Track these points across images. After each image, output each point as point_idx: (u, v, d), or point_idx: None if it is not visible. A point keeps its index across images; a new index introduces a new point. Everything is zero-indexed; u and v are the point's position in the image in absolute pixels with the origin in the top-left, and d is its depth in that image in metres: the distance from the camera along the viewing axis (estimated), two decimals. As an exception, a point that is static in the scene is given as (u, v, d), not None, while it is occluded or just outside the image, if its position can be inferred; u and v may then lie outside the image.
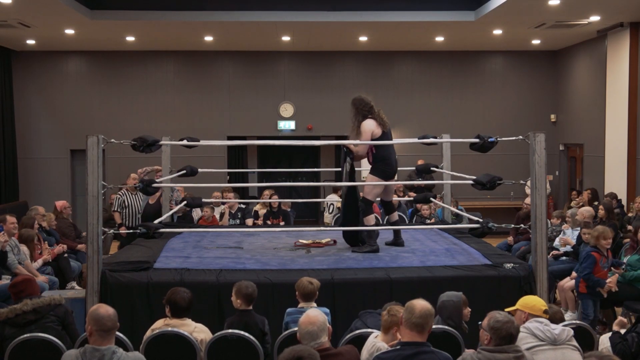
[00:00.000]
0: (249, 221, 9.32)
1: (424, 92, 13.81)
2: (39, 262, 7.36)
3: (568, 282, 7.14)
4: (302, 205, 13.74)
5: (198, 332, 4.35)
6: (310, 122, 13.66)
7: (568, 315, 6.65)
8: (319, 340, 3.43)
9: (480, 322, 3.57)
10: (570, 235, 7.84)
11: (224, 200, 9.47)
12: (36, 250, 7.52)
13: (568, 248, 7.72)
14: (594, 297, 6.31)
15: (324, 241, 6.90)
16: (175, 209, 7.93)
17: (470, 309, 4.43)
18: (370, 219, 6.64)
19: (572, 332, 3.92)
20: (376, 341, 3.80)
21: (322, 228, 7.01)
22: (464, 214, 7.73)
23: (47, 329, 4.53)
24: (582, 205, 10.01)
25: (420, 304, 3.50)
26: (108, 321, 3.42)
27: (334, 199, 10.59)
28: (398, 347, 3.44)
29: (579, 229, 7.62)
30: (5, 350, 4.34)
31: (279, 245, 6.86)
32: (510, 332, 3.38)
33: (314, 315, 3.52)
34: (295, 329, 4.23)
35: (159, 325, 4.36)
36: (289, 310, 4.72)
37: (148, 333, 4.34)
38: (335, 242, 6.94)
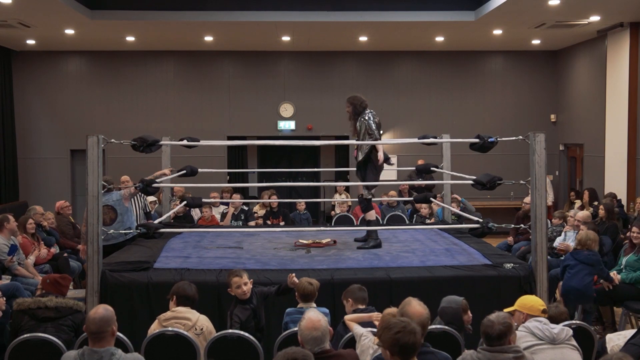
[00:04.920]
0: (252, 224, 9.30)
1: (424, 92, 13.81)
2: (31, 258, 7.37)
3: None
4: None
5: (202, 321, 4.43)
6: (310, 122, 13.66)
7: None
8: (322, 345, 3.42)
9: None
10: (571, 237, 7.83)
11: (225, 201, 9.47)
12: (30, 249, 7.54)
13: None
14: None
15: (324, 241, 6.91)
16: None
17: (471, 315, 4.41)
18: (372, 214, 6.80)
19: (571, 331, 3.92)
20: (376, 345, 3.78)
21: (322, 228, 7.00)
22: (464, 214, 7.73)
23: (60, 331, 4.58)
24: (583, 207, 10.01)
25: (415, 311, 3.50)
26: (91, 324, 3.38)
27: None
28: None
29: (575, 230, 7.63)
30: (19, 337, 4.38)
31: (279, 245, 6.86)
32: (486, 331, 3.38)
33: (317, 319, 3.47)
34: (295, 329, 4.24)
35: (168, 315, 4.39)
36: (288, 310, 4.72)
37: (155, 325, 4.37)
38: (335, 242, 6.95)
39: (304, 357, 2.86)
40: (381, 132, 6.73)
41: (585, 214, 8.00)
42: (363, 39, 12.22)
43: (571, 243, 7.69)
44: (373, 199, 7.00)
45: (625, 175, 10.73)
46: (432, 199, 8.50)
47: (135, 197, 8.56)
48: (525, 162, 6.00)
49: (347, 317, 4.34)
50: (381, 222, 9.68)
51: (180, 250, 6.63)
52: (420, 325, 3.44)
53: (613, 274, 6.60)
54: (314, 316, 3.50)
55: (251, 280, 4.73)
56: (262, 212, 9.76)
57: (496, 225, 6.08)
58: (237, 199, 9.66)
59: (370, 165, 6.66)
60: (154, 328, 4.36)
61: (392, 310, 3.87)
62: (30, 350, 4.30)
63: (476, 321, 3.99)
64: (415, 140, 7.48)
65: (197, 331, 4.36)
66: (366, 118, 6.56)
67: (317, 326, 3.41)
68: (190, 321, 4.37)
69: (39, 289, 5.25)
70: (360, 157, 6.66)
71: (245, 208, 9.51)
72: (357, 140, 6.69)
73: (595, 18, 10.30)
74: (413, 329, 3.07)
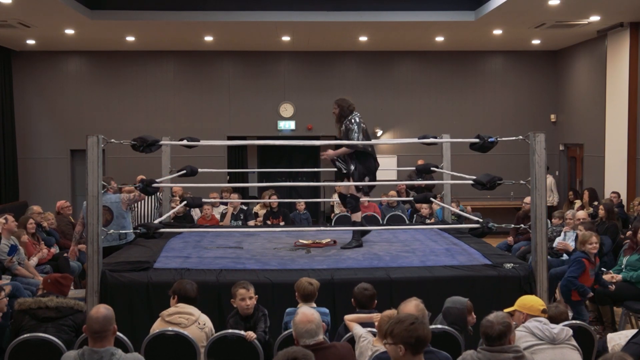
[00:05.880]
0: (252, 223, 9.31)
1: (424, 92, 13.81)
2: (34, 259, 7.38)
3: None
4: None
5: (204, 318, 4.47)
6: (310, 122, 13.66)
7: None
8: (316, 337, 3.49)
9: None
10: (571, 237, 7.83)
11: (226, 200, 9.47)
12: (33, 250, 7.54)
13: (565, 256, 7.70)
14: (581, 303, 6.10)
15: (324, 241, 6.91)
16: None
17: (475, 316, 4.40)
18: (358, 215, 6.86)
19: (571, 331, 3.92)
20: (374, 347, 3.79)
21: (322, 228, 7.00)
22: (465, 214, 7.73)
23: (61, 331, 4.58)
24: (582, 207, 10.01)
25: (405, 311, 3.50)
26: (94, 324, 3.38)
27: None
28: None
29: (574, 230, 7.61)
30: (20, 336, 4.38)
31: (279, 245, 6.86)
32: (486, 332, 3.36)
33: (310, 313, 3.57)
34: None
35: (171, 311, 4.42)
36: (288, 310, 4.72)
37: (157, 323, 4.38)
38: (335, 242, 6.95)
39: (305, 357, 2.85)
40: (369, 138, 6.71)
41: (581, 213, 8.01)
42: (363, 39, 12.22)
43: (570, 242, 7.70)
44: (371, 199, 7.02)
45: (625, 175, 10.73)
46: (432, 199, 8.50)
47: (147, 197, 8.52)
48: (525, 162, 6.00)
49: (347, 317, 4.35)
50: (381, 222, 9.69)
51: (180, 250, 6.62)
52: None
53: (611, 275, 6.59)
54: (307, 310, 3.61)
55: (256, 296, 4.65)
56: (262, 212, 9.76)
57: (496, 225, 6.08)
58: (235, 198, 9.66)
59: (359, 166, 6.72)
60: (157, 326, 4.37)
61: (391, 312, 3.87)
62: (30, 350, 4.30)
63: (476, 321, 3.98)
64: (415, 140, 7.48)
65: (201, 325, 4.39)
66: (352, 122, 6.61)
67: (310, 319, 3.51)
68: (193, 316, 4.42)
69: (40, 288, 5.25)
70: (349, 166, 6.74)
71: (244, 208, 9.51)
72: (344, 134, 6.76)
73: (595, 18, 10.30)
74: (425, 322, 3.09)
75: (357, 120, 6.63)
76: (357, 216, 6.84)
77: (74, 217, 9.84)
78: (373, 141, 6.58)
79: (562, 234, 8.03)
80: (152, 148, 5.98)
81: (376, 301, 4.53)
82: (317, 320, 3.53)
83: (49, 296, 4.78)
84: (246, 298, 4.53)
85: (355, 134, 6.54)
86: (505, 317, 3.44)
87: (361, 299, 4.47)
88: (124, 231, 6.70)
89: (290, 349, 2.89)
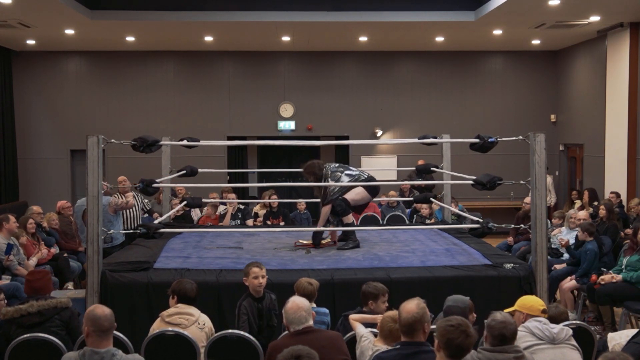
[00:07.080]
0: (250, 222, 9.31)
1: (424, 92, 13.81)
2: (34, 260, 7.37)
3: (568, 283, 7.14)
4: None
5: (204, 318, 4.50)
6: (310, 122, 13.66)
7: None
8: (307, 323, 3.67)
9: (486, 321, 3.56)
10: (561, 235, 7.83)
11: (225, 200, 9.47)
12: (32, 250, 7.54)
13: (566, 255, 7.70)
14: None
15: (324, 241, 6.91)
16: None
17: (475, 315, 4.39)
18: (350, 217, 6.89)
19: (570, 331, 3.92)
20: (375, 346, 3.80)
21: (322, 228, 7.00)
22: (465, 214, 7.73)
23: (50, 333, 4.53)
24: (582, 207, 10.01)
25: (406, 309, 3.49)
26: (105, 321, 3.38)
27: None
28: (398, 346, 3.44)
29: (576, 229, 7.60)
30: (7, 350, 4.35)
31: (279, 245, 6.86)
32: (502, 332, 3.29)
33: (300, 301, 3.76)
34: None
35: (171, 311, 4.44)
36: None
37: (157, 323, 4.40)
38: (335, 242, 6.95)
39: (309, 355, 2.84)
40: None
41: (582, 214, 8.01)
42: (363, 39, 12.22)
43: (566, 238, 7.70)
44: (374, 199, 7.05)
45: (625, 175, 10.73)
46: (432, 199, 8.50)
47: (134, 197, 8.54)
48: (525, 162, 6.01)
49: (352, 316, 4.35)
50: (381, 222, 9.69)
51: (180, 250, 6.63)
52: (406, 323, 3.42)
53: (611, 275, 6.59)
54: (298, 299, 3.81)
55: (266, 277, 4.80)
56: (262, 212, 9.75)
57: (496, 225, 6.08)
58: (232, 198, 9.66)
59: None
60: (157, 326, 4.37)
61: (393, 313, 3.87)
62: (31, 351, 4.29)
63: (479, 322, 3.98)
64: (415, 140, 7.49)
65: (200, 325, 4.40)
66: (327, 180, 6.72)
67: (301, 307, 3.71)
68: (193, 316, 4.43)
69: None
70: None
71: (242, 207, 9.50)
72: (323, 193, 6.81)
73: (595, 18, 10.30)
74: (467, 331, 3.06)
75: (338, 175, 6.77)
76: (348, 218, 6.87)
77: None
78: (372, 141, 6.56)
79: (552, 237, 8.02)
80: (152, 148, 5.99)
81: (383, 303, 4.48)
82: (307, 308, 3.72)
83: (29, 301, 4.69)
84: (259, 276, 4.71)
85: (333, 190, 6.70)
86: (511, 316, 3.46)
87: (362, 296, 4.49)
88: (120, 232, 6.72)
89: (296, 347, 2.88)
